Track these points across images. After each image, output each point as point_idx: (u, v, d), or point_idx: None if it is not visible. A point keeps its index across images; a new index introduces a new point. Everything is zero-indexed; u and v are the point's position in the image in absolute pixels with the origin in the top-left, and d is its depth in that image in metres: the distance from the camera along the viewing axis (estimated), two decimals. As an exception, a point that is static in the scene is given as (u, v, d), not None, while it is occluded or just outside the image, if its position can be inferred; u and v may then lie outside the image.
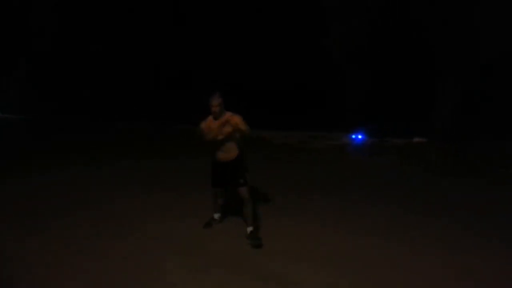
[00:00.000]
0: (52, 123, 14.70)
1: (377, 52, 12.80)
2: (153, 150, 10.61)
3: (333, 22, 13.43)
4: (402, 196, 6.75)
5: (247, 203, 4.80)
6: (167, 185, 7.18)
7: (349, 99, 13.11)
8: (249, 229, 4.78)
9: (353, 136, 11.71)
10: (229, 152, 4.79)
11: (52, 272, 3.88)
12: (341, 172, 8.61)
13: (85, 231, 4.91)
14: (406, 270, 4.05)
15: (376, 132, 11.65)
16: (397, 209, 6.05)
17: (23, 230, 4.89)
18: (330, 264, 4.17)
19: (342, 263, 4.19)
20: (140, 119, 14.41)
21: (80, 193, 6.53)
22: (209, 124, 4.71)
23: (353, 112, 12.61)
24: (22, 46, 16.07)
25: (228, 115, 4.65)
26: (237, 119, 4.60)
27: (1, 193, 6.49)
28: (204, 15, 15.07)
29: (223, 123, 4.62)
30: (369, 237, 4.90)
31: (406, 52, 12.43)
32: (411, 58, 12.36)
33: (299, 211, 5.88)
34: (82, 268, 3.97)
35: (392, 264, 4.19)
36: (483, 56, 11.60)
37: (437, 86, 12.53)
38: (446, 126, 12.18)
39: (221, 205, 5.30)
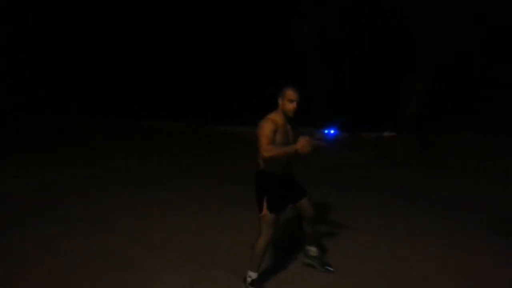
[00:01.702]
0: (44, 123, 14.20)
1: (346, 48, 12.95)
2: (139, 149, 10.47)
3: (303, 17, 13.46)
4: (379, 189, 6.89)
5: (315, 219, 3.84)
6: (151, 185, 7.11)
7: (318, 95, 13.21)
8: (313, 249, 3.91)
9: (326, 131, 11.77)
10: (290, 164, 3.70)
11: (29, 272, 3.79)
12: (317, 167, 8.65)
13: (62, 231, 4.78)
14: (399, 265, 4.09)
15: (348, 126, 11.79)
16: (377, 203, 6.18)
17: (4, 230, 4.75)
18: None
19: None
20: (136, 117, 14.16)
21: (58, 194, 6.35)
22: (282, 127, 3.42)
23: (323, 107, 12.74)
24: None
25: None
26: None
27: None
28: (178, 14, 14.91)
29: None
30: (355, 233, 4.92)
31: (375, 49, 12.64)
32: (379, 54, 12.57)
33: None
34: (56, 267, 3.87)
35: (382, 259, 4.22)
36: (449, 53, 11.90)
37: (404, 81, 12.78)
38: (412, 120, 12.44)
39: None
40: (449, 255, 4.32)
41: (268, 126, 3.29)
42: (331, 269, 3.83)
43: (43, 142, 11.20)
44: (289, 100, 3.38)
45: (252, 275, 3.47)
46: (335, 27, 12.98)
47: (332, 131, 11.53)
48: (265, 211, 3.40)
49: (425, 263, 4.11)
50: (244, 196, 6.17)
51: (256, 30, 13.67)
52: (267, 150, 3.20)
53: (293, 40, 13.44)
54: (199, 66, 14.53)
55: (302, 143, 3.08)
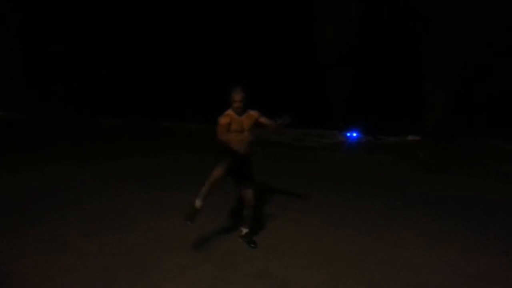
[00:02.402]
0: (35, 121, 14.16)
1: (369, 51, 12.65)
2: (142, 148, 10.33)
3: (322, 19, 13.21)
4: (399, 195, 6.68)
5: (251, 206, 4.51)
6: (160, 184, 7.00)
7: (340, 97, 12.95)
8: (245, 230, 4.59)
9: (348, 134, 11.58)
10: (247, 148, 4.37)
11: (44, 270, 3.79)
12: (338, 170, 8.49)
13: (75, 229, 4.80)
14: (403, 270, 3.99)
15: (371, 130, 11.52)
16: (394, 208, 5.98)
17: (14, 229, 4.76)
18: (326, 263, 4.11)
19: (338, 262, 4.13)
20: (131, 117, 14.12)
21: (71, 192, 6.33)
22: (233, 119, 4.30)
23: (345, 110, 12.49)
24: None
25: (250, 111, 4.41)
26: (260, 116, 4.42)
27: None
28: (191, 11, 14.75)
29: (248, 119, 4.35)
30: (368, 237, 4.82)
31: (398, 51, 12.30)
32: (402, 57, 12.23)
33: (297, 210, 5.77)
34: (71, 266, 3.88)
35: (390, 263, 4.13)
36: (474, 55, 11.51)
37: (428, 85, 12.44)
38: (437, 124, 12.09)
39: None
40: (462, 260, 4.18)
41: (222, 122, 4.24)
42: (254, 246, 4.44)
43: (37, 142, 10.85)
44: (234, 101, 4.25)
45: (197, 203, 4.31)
46: (355, 30, 12.71)
47: (354, 135, 11.48)
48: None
49: (435, 268, 3.98)
50: (263, 196, 6.10)
51: (273, 30, 13.37)
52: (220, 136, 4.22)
53: (313, 41, 13.20)
54: (216, 66, 14.30)
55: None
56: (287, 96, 12.75)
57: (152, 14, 15.07)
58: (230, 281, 3.70)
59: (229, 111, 4.34)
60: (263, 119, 4.43)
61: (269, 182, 6.89)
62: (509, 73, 11.23)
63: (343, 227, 5.10)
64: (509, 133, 10.57)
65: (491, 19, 11.11)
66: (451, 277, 3.83)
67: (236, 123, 4.29)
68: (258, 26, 13.51)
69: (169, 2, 14.85)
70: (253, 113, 4.41)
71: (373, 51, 12.51)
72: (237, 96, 4.27)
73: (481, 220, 5.43)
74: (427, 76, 12.36)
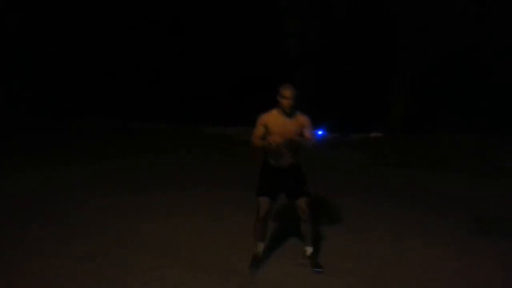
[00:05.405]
0: (18, 123, 13.17)
1: (334, 47, 12.26)
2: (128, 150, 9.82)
3: (288, 17, 12.72)
4: (364, 190, 6.62)
5: (308, 219, 3.70)
6: (144, 186, 6.62)
7: (305, 94, 12.63)
8: (309, 250, 3.78)
9: (314, 132, 11.29)
10: (291, 157, 3.62)
11: (7, 275, 3.62)
12: (308, 167, 8.37)
13: (41, 233, 4.57)
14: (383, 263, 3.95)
15: (336, 127, 11.29)
16: (363, 202, 5.89)
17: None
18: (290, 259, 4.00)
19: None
20: (130, 118, 13.70)
21: (56, 195, 5.99)
22: (279, 122, 3.49)
23: (311, 107, 12.18)
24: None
25: (299, 114, 3.59)
26: (307, 122, 3.60)
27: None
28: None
29: (295, 124, 3.54)
30: (341, 230, 4.76)
31: (363, 48, 11.96)
32: (367, 54, 11.92)
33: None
34: (37, 271, 3.71)
35: (366, 258, 4.08)
36: (437, 53, 11.32)
37: (392, 82, 12.23)
38: (401, 121, 11.98)
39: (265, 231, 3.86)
40: (444, 255, 4.14)
41: (258, 121, 3.58)
42: (321, 270, 3.72)
43: (33, 142, 10.20)
44: (283, 97, 3.47)
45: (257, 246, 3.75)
46: (317, 29, 12.23)
47: (320, 132, 11.22)
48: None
49: (420, 263, 3.94)
50: (236, 198, 5.84)
51: (245, 32, 12.90)
52: (252, 139, 3.58)
53: (280, 44, 12.74)
54: (187, 67, 13.88)
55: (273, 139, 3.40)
56: (255, 93, 12.19)
57: (152, 14, 14.59)
58: (200, 278, 3.63)
59: (273, 111, 3.59)
60: (307, 132, 3.60)
61: (233, 181, 6.67)
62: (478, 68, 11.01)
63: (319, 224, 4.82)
64: (485, 130, 10.27)
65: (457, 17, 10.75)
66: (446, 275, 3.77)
67: (277, 126, 3.50)
68: (228, 27, 13.00)
69: (169, 2, 14.37)
70: (302, 118, 3.60)
71: (339, 47, 12.10)
72: (288, 92, 3.47)
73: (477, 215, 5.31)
74: (392, 73, 12.05)
